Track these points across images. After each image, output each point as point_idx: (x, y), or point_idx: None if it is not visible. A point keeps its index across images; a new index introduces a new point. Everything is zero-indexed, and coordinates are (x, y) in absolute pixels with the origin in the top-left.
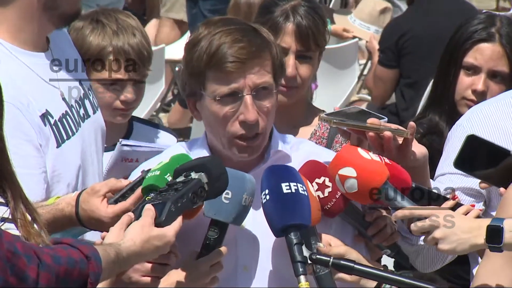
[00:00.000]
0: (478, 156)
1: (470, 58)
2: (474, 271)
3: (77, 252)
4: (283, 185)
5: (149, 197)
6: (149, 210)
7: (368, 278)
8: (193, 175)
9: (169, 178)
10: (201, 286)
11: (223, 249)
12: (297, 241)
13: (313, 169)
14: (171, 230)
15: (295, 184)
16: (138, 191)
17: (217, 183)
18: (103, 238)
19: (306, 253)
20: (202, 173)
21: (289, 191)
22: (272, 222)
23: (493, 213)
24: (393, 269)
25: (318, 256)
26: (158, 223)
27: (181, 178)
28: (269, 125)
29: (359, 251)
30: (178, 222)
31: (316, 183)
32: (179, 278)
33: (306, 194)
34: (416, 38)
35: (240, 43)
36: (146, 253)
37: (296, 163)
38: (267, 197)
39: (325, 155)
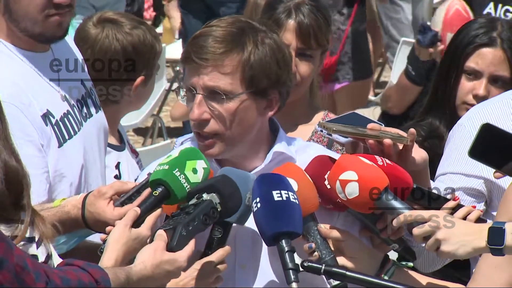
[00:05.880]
0: (493, 145)
1: (471, 63)
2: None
3: (87, 276)
4: (274, 192)
5: (156, 192)
6: (161, 235)
7: (360, 284)
8: (205, 196)
9: (177, 174)
10: (205, 286)
11: (226, 248)
12: (289, 249)
13: (324, 163)
14: (183, 256)
15: (286, 192)
16: (145, 193)
17: (230, 201)
18: (108, 233)
19: (297, 260)
20: (214, 194)
21: (280, 198)
22: (263, 230)
23: (494, 213)
24: (394, 260)
25: (309, 264)
26: (170, 248)
27: (193, 201)
28: (229, 129)
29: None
30: (190, 247)
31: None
32: (183, 277)
33: (297, 202)
34: None
35: (205, 42)
36: (157, 278)
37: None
38: (258, 205)
39: None
